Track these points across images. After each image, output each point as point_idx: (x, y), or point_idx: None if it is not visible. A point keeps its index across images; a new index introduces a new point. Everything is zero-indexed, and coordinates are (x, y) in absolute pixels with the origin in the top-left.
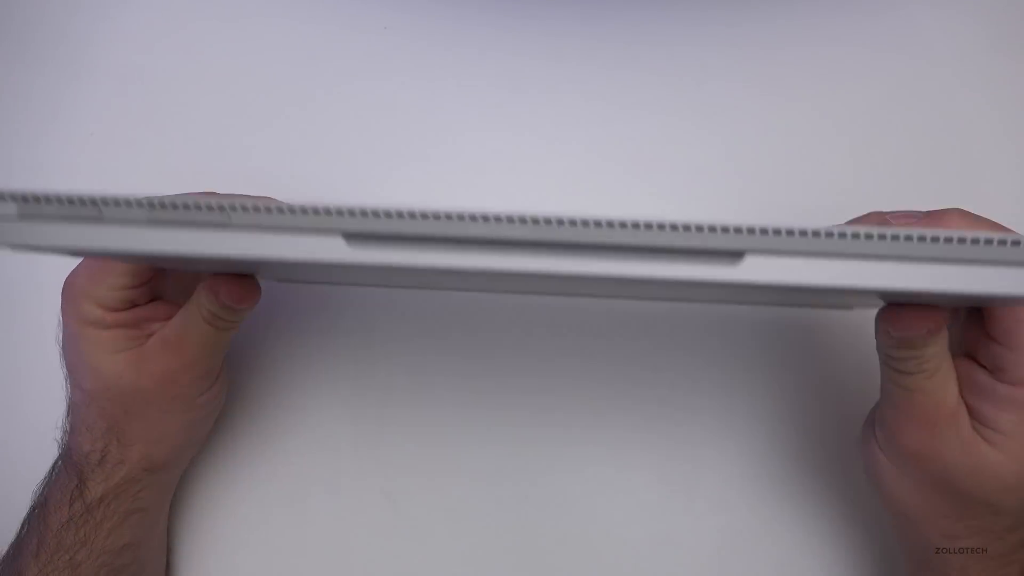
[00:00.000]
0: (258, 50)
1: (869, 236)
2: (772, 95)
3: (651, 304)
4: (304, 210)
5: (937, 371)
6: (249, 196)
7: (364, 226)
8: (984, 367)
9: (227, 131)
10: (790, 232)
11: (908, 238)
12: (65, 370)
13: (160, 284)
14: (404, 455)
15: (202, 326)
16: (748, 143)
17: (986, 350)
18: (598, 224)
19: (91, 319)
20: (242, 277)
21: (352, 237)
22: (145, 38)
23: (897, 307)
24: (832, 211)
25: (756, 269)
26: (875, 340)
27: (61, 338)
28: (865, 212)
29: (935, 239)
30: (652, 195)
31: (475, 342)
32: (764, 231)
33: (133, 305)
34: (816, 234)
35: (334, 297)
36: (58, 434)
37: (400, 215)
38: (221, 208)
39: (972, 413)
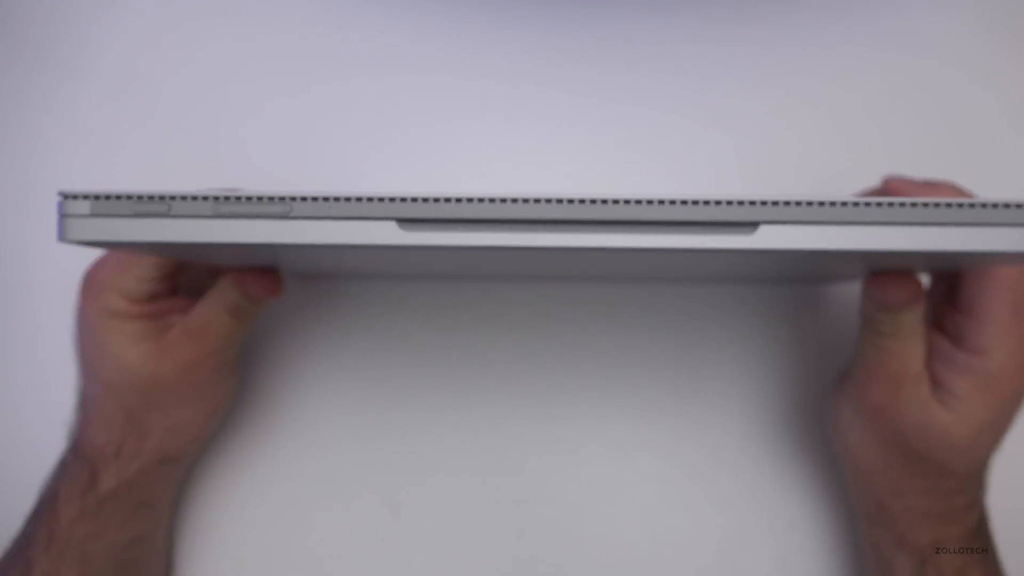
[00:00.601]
0: (257, 49)
1: (868, 204)
2: (773, 92)
3: (650, 303)
4: (360, 199)
5: (910, 337)
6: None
7: (416, 212)
8: (948, 336)
9: (226, 130)
10: (798, 203)
11: (902, 204)
12: (80, 362)
13: (178, 279)
14: (405, 454)
15: (224, 317)
16: (749, 140)
17: (951, 321)
18: (628, 202)
19: (115, 310)
20: (266, 271)
21: (405, 222)
22: (143, 37)
23: (882, 274)
24: None
25: (770, 237)
26: (860, 303)
27: (76, 330)
28: None
29: (925, 204)
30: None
31: (475, 343)
32: (776, 203)
33: (156, 298)
34: (821, 204)
35: (337, 299)
36: (65, 429)
37: (448, 200)
38: (283, 200)
39: (933, 378)
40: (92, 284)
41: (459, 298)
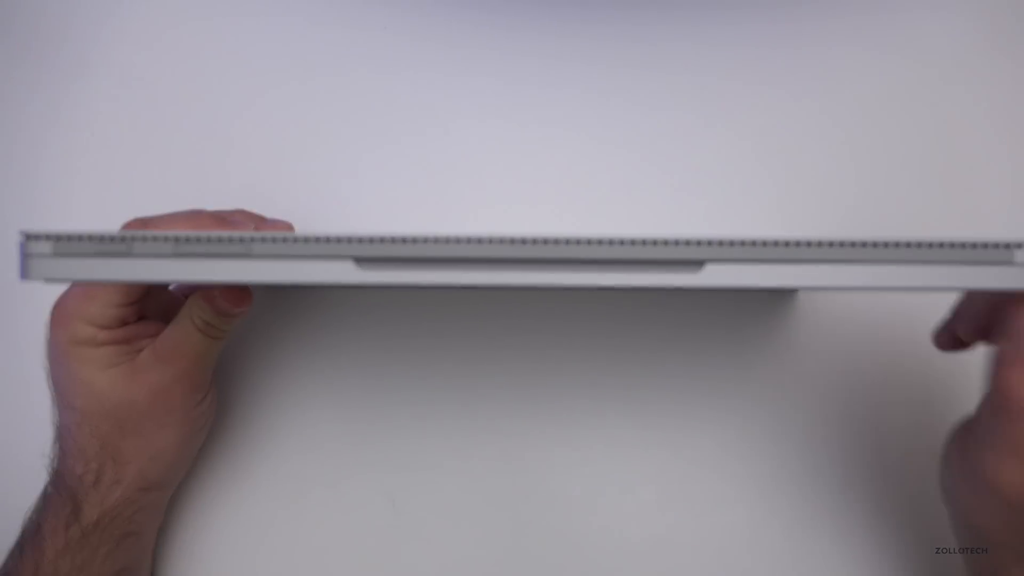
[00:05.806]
0: (258, 50)
1: (809, 244)
2: (770, 94)
3: (650, 301)
4: (318, 239)
5: None
6: (261, 221)
7: (372, 251)
8: None
9: (226, 131)
10: (743, 242)
11: (841, 244)
12: (53, 393)
13: (146, 303)
14: (404, 455)
15: (195, 336)
16: (746, 142)
17: None
18: (577, 242)
19: (83, 338)
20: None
21: (362, 261)
22: (145, 38)
23: None
24: (831, 207)
25: (715, 275)
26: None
27: (47, 361)
28: (860, 210)
29: (863, 244)
30: (652, 191)
31: (474, 341)
32: (721, 242)
33: (124, 323)
34: (765, 243)
35: (329, 297)
36: (45, 461)
37: (403, 240)
38: (242, 240)
39: None
40: (60, 314)
41: (458, 295)
